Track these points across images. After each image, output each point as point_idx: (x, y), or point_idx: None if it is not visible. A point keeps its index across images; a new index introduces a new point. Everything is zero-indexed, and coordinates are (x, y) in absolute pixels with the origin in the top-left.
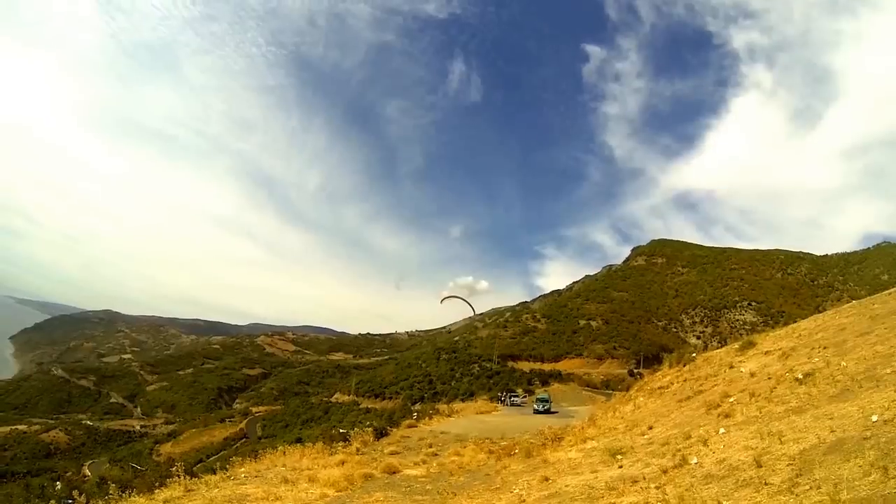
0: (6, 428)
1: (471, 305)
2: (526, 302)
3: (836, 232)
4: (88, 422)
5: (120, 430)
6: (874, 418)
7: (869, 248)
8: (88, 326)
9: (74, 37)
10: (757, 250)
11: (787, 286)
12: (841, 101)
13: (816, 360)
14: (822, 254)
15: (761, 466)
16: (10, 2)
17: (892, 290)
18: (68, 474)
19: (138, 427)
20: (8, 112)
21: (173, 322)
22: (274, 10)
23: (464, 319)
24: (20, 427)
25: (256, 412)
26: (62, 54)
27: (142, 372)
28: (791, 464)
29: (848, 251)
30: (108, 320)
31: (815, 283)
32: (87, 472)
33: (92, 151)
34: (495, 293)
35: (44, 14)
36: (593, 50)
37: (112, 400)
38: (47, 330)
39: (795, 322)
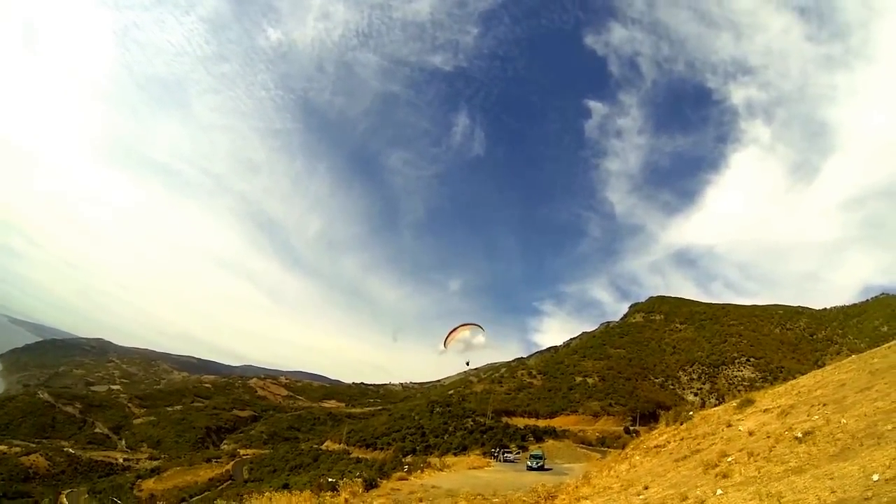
0: None
1: (480, 326)
2: (522, 358)
3: (836, 285)
4: (71, 449)
5: (102, 462)
6: (875, 477)
7: (868, 300)
8: (79, 353)
9: (90, 65)
10: (755, 306)
11: (785, 341)
12: (838, 154)
13: (816, 417)
14: (820, 307)
15: None
16: (31, 26)
17: (891, 343)
18: (45, 501)
19: (121, 460)
20: (19, 133)
21: (165, 357)
22: (285, 54)
23: (458, 374)
24: (0, 447)
25: (244, 455)
26: (77, 81)
27: (130, 404)
28: None
29: (847, 304)
30: (100, 349)
31: (814, 337)
32: (65, 501)
33: (98, 179)
34: (492, 348)
35: (63, 40)
36: (595, 106)
37: (97, 430)
38: (37, 352)
39: (794, 378)
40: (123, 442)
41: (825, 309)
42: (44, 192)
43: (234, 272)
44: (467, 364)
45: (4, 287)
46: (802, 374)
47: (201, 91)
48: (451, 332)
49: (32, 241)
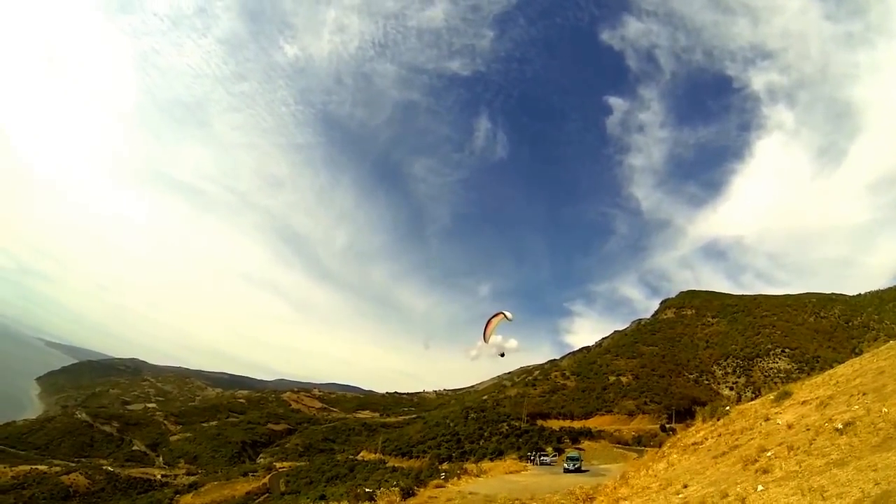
0: (27, 467)
1: (507, 315)
2: (555, 359)
3: (869, 269)
4: (109, 467)
5: (140, 478)
6: None
7: None
8: (115, 373)
9: (113, 92)
10: (788, 295)
11: (820, 330)
12: (864, 134)
13: (856, 407)
14: (855, 293)
15: None
16: (54, 57)
17: None
18: None
19: (159, 476)
20: (48, 161)
21: (199, 374)
22: (303, 69)
23: (491, 379)
24: (41, 467)
25: (280, 467)
26: (100, 108)
27: (166, 422)
28: None
29: (882, 288)
30: (135, 369)
31: (850, 324)
32: None
33: (125, 202)
34: (524, 351)
35: (83, 69)
36: (616, 102)
37: (134, 447)
38: (74, 374)
39: (831, 367)
40: (161, 458)
41: (860, 294)
42: (73, 218)
43: (263, 287)
44: (502, 356)
45: (39, 312)
46: (839, 363)
47: (222, 110)
48: (487, 324)
49: (65, 266)
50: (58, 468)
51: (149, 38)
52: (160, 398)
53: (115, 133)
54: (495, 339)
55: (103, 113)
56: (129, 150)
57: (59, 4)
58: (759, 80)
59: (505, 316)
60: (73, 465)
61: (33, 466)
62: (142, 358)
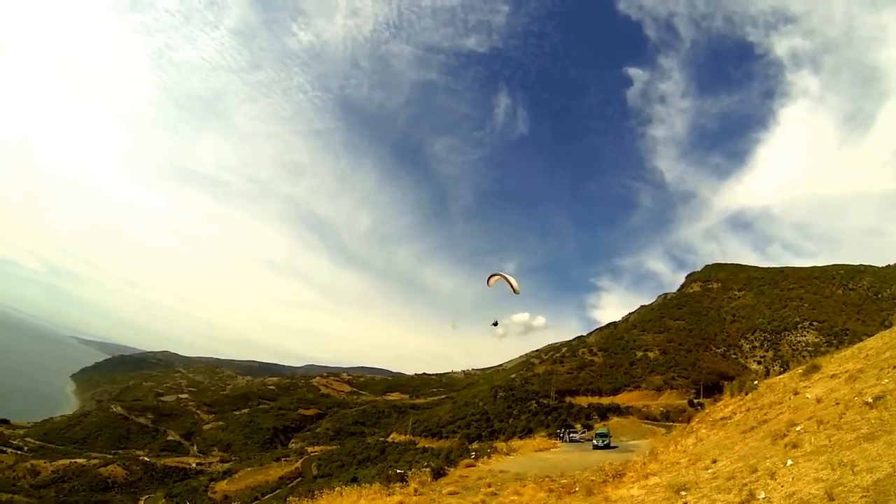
0: (66, 461)
1: (509, 281)
2: (582, 336)
3: None
4: (146, 458)
5: (176, 467)
6: None
7: None
8: (147, 367)
9: (128, 91)
10: (815, 267)
11: (849, 302)
12: (893, 99)
13: (886, 381)
14: (884, 265)
15: (833, 500)
16: (67, 62)
17: None
18: None
19: (194, 464)
20: (70, 164)
21: (229, 363)
22: (318, 55)
23: (519, 357)
24: (79, 461)
25: (312, 452)
26: (117, 107)
27: (198, 411)
28: (865, 495)
29: None
30: (167, 361)
31: (879, 296)
32: None
33: (148, 199)
34: (552, 329)
35: (99, 70)
36: (636, 73)
37: (169, 437)
38: (107, 369)
39: (861, 340)
40: (195, 447)
41: (889, 266)
42: (98, 218)
43: (289, 275)
44: (495, 324)
45: (71, 310)
46: (869, 336)
47: (239, 101)
48: (494, 275)
49: (94, 266)
50: (96, 461)
51: (162, 34)
52: (192, 388)
53: (134, 131)
54: (522, 315)
55: (121, 113)
56: (149, 148)
57: (71, 10)
58: (781, 46)
59: (507, 280)
60: (111, 457)
61: (72, 460)
62: (173, 350)
